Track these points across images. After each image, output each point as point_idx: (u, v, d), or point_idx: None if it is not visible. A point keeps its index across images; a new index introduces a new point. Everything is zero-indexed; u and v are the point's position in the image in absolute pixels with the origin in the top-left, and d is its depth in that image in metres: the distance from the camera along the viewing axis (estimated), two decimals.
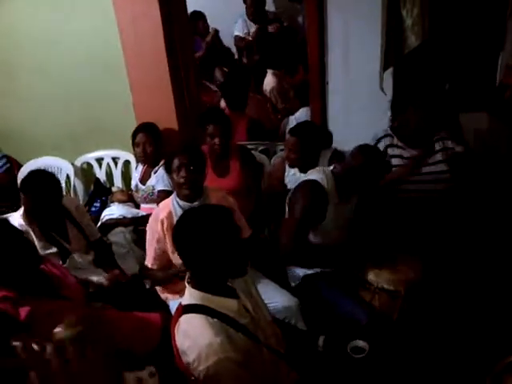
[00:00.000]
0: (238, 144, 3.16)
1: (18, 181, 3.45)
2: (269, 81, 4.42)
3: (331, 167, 2.35)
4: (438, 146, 2.75)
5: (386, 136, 2.79)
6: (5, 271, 1.81)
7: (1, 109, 3.53)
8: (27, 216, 2.41)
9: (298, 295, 2.33)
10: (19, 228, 2.26)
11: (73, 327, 1.08)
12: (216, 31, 4.91)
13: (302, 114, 3.64)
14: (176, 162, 2.24)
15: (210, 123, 2.86)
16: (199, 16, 4.85)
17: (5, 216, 2.48)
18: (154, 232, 2.28)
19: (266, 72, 4.51)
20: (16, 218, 2.41)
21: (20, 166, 3.61)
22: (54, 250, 2.43)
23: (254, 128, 3.74)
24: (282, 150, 3.52)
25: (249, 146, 3.34)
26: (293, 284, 2.46)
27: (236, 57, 5.16)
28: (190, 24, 4.48)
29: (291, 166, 2.90)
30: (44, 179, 2.40)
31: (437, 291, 2.27)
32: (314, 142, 2.78)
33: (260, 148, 3.58)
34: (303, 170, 2.75)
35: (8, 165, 3.53)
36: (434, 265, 2.31)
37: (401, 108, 2.85)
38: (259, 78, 4.55)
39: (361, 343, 1.94)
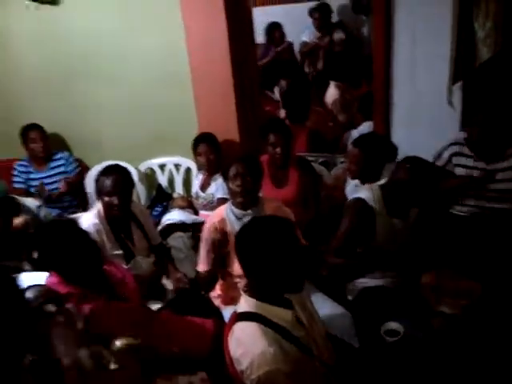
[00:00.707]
0: (297, 155, 3.17)
1: (87, 183, 3.66)
2: (331, 93, 4.40)
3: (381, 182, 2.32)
4: (507, 164, 2.62)
5: (455, 144, 2.70)
6: (71, 269, 1.90)
7: (73, 115, 3.72)
8: (105, 216, 2.50)
9: (355, 309, 2.28)
10: (92, 228, 2.39)
11: (132, 340, 1.10)
12: (290, 44, 5.26)
13: (364, 128, 3.59)
14: (232, 171, 2.27)
15: (271, 132, 2.88)
16: (276, 26, 5.30)
17: (75, 216, 2.60)
18: (208, 236, 2.32)
19: (329, 83, 4.50)
20: (89, 218, 2.50)
21: (88, 169, 3.79)
22: (120, 251, 2.52)
23: (315, 140, 3.73)
24: (341, 162, 3.49)
25: (308, 158, 3.33)
26: (350, 297, 2.41)
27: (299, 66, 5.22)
28: (266, 33, 5.11)
29: (352, 178, 2.86)
30: (127, 178, 2.52)
31: (495, 316, 2.15)
32: (377, 154, 2.72)
33: (320, 160, 3.56)
34: (365, 183, 2.69)
35: (79, 169, 3.72)
36: (494, 289, 2.20)
37: (471, 121, 2.75)
38: (321, 89, 4.55)
39: (394, 325, 1.86)
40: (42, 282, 1.91)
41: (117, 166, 2.61)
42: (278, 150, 2.87)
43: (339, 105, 4.34)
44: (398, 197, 2.23)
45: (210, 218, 2.38)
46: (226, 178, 2.35)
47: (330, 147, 3.84)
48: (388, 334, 1.86)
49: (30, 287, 1.72)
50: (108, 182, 2.43)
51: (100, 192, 2.48)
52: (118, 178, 2.46)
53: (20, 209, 2.89)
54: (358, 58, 4.64)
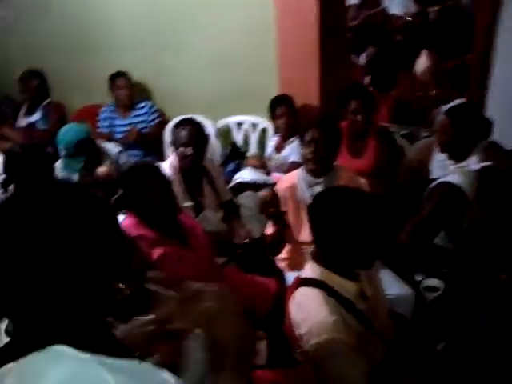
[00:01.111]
0: (378, 125, 3.03)
1: (165, 134, 3.74)
2: (423, 62, 4.11)
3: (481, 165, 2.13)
4: None
5: None
6: (151, 212, 1.96)
7: (159, 67, 3.80)
8: (179, 168, 2.57)
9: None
10: None
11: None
12: (383, 9, 4.91)
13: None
14: (307, 136, 2.21)
15: (353, 99, 2.77)
16: None
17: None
18: None
19: (420, 52, 4.22)
20: (164, 168, 2.57)
21: (169, 120, 3.87)
22: (190, 203, 2.58)
23: (399, 110, 3.55)
24: (425, 136, 3.31)
25: (390, 129, 3.18)
26: (419, 278, 2.32)
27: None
28: None
29: (442, 151, 2.67)
30: (202, 131, 2.56)
31: None
32: (470, 126, 2.49)
33: (402, 132, 3.39)
34: (454, 158, 2.50)
35: (159, 119, 3.80)
36: None
37: None
38: (411, 57, 4.28)
39: (435, 282, 1.76)
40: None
41: (191, 118, 2.65)
42: (358, 117, 2.76)
43: (430, 76, 4.05)
44: (499, 188, 2.04)
45: (281, 183, 2.36)
46: (301, 142, 2.30)
47: (414, 119, 3.63)
48: (428, 291, 1.76)
49: None
50: (183, 132, 2.49)
51: (175, 143, 2.53)
52: (192, 129, 2.50)
53: (101, 153, 3.02)
54: (455, 27, 4.30)
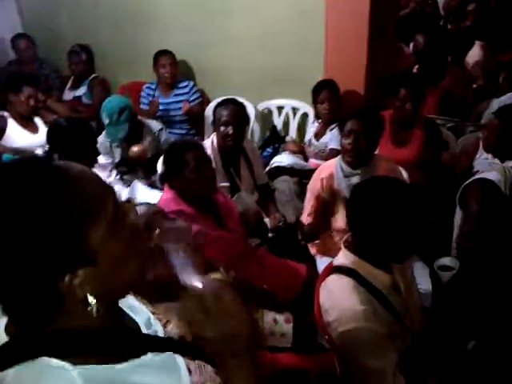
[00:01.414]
0: (425, 115, 2.95)
1: (206, 116, 3.75)
2: (475, 53, 3.97)
3: None
4: None
5: None
6: (187, 187, 1.98)
7: (203, 47, 3.79)
8: (218, 148, 2.58)
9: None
10: None
11: (224, 277, 1.12)
12: None
13: (507, 99, 3.21)
14: (348, 126, 2.16)
15: (402, 86, 2.70)
16: None
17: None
18: (314, 189, 2.28)
19: (472, 43, 4.06)
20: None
21: (209, 101, 3.88)
22: (227, 184, 2.58)
23: (447, 102, 3.43)
24: (471, 131, 3.20)
25: (437, 121, 3.09)
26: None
27: (441, 23, 4.76)
28: None
29: (486, 151, 2.59)
30: (243, 111, 2.57)
31: None
32: None
33: (448, 125, 3.28)
34: (499, 157, 2.43)
35: (200, 99, 3.82)
36: None
37: None
38: (463, 48, 4.12)
39: (448, 261, 1.70)
40: (154, 201, 2.02)
41: (234, 99, 2.65)
42: (407, 105, 2.68)
43: (481, 68, 3.91)
44: None
45: (319, 172, 2.33)
46: (341, 131, 2.26)
47: (462, 113, 3.51)
48: (442, 270, 1.70)
49: (142, 203, 1.82)
50: (225, 112, 2.49)
51: (216, 122, 2.54)
52: (234, 109, 2.51)
53: (143, 128, 3.06)
54: None
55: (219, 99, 3.33)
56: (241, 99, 3.19)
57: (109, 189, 0.74)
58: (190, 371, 0.80)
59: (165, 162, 2.08)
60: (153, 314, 0.89)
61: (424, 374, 1.50)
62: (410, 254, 1.56)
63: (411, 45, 4.48)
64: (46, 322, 0.68)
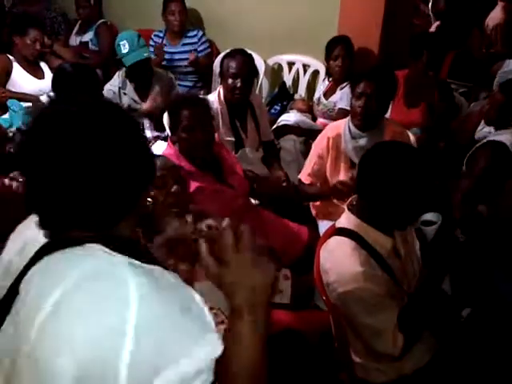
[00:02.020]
0: (440, 78, 2.88)
1: (214, 67, 3.67)
2: (496, 15, 3.80)
3: None
4: None
5: None
6: (183, 146, 1.96)
7: None
8: (225, 101, 2.54)
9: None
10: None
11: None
12: None
13: None
14: (360, 88, 2.10)
15: (424, 48, 2.64)
16: None
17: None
18: (318, 147, 2.27)
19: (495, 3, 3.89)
20: (210, 100, 2.54)
21: (218, 52, 3.78)
22: (232, 139, 2.56)
23: (461, 66, 3.33)
24: (485, 97, 3.12)
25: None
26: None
27: None
28: None
29: (487, 123, 2.54)
30: (252, 64, 2.53)
31: None
32: None
33: (461, 90, 3.21)
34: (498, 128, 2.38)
35: (209, 50, 3.72)
36: None
37: None
38: (485, 10, 3.95)
39: (431, 216, 1.72)
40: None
41: (242, 50, 2.59)
42: (427, 69, 2.64)
43: (500, 31, 3.76)
44: None
45: (326, 130, 2.31)
46: (352, 90, 2.20)
47: (476, 78, 3.41)
48: (425, 225, 1.71)
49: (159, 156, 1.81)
50: (233, 63, 2.45)
51: (224, 74, 2.49)
52: (242, 61, 2.46)
53: (152, 77, 3.00)
54: None
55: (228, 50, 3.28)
56: (251, 52, 3.13)
57: None
58: None
59: (167, 117, 2.06)
60: None
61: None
62: (413, 220, 1.55)
63: (429, 4, 4.30)
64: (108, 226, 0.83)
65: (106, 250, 0.78)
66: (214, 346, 0.74)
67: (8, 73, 3.15)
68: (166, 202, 1.52)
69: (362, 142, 2.15)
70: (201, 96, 2.38)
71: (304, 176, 2.32)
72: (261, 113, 2.69)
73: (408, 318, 1.44)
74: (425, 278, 1.53)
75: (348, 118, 2.24)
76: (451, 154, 2.71)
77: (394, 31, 3.10)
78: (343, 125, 2.23)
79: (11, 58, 3.17)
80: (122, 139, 0.81)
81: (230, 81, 2.46)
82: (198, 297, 0.79)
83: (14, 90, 3.13)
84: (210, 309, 0.82)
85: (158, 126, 2.85)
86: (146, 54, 2.90)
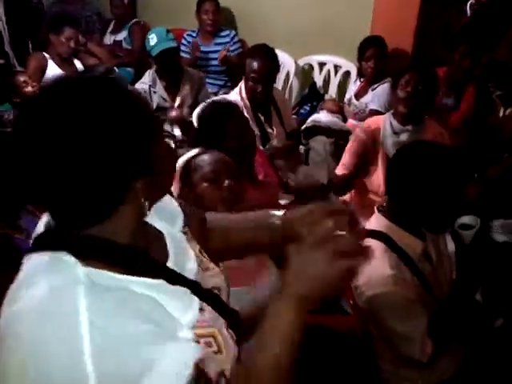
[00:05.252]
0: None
1: None
2: None
3: None
4: None
5: None
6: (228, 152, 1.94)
7: None
8: (248, 97, 2.54)
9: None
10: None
11: None
12: None
13: None
14: (406, 77, 2.11)
15: (465, 43, 2.59)
16: None
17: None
18: (357, 138, 2.23)
19: None
20: (233, 96, 2.57)
21: None
22: (257, 133, 2.54)
23: (496, 69, 3.23)
24: None
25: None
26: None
27: None
28: None
29: None
30: (274, 65, 2.51)
31: None
32: None
33: (497, 93, 3.11)
34: None
35: (240, 50, 3.72)
36: None
37: None
38: None
39: (468, 219, 1.65)
40: None
41: (264, 47, 2.55)
42: (466, 62, 2.62)
43: None
44: None
45: (367, 121, 2.31)
46: (394, 86, 2.18)
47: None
48: (462, 228, 1.64)
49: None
50: (254, 66, 2.44)
51: (246, 73, 2.51)
52: (264, 64, 2.45)
53: (182, 76, 3.00)
54: None
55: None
56: (281, 52, 3.12)
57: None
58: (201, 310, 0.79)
59: (201, 127, 1.99)
60: (200, 253, 0.91)
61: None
62: (449, 223, 1.51)
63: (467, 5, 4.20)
64: (93, 222, 0.74)
65: (70, 259, 0.71)
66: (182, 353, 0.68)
67: (43, 70, 3.22)
68: (219, 196, 1.50)
69: (404, 137, 2.13)
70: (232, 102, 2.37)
71: (341, 168, 2.30)
72: (283, 106, 2.70)
73: (439, 325, 1.39)
74: (458, 285, 1.48)
75: (388, 113, 2.21)
76: (490, 149, 2.63)
77: (428, 32, 3.04)
78: (383, 120, 2.21)
79: (47, 55, 3.24)
80: (106, 121, 0.70)
81: (251, 84, 2.47)
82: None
83: None
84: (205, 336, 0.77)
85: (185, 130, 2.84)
86: (173, 45, 2.90)
